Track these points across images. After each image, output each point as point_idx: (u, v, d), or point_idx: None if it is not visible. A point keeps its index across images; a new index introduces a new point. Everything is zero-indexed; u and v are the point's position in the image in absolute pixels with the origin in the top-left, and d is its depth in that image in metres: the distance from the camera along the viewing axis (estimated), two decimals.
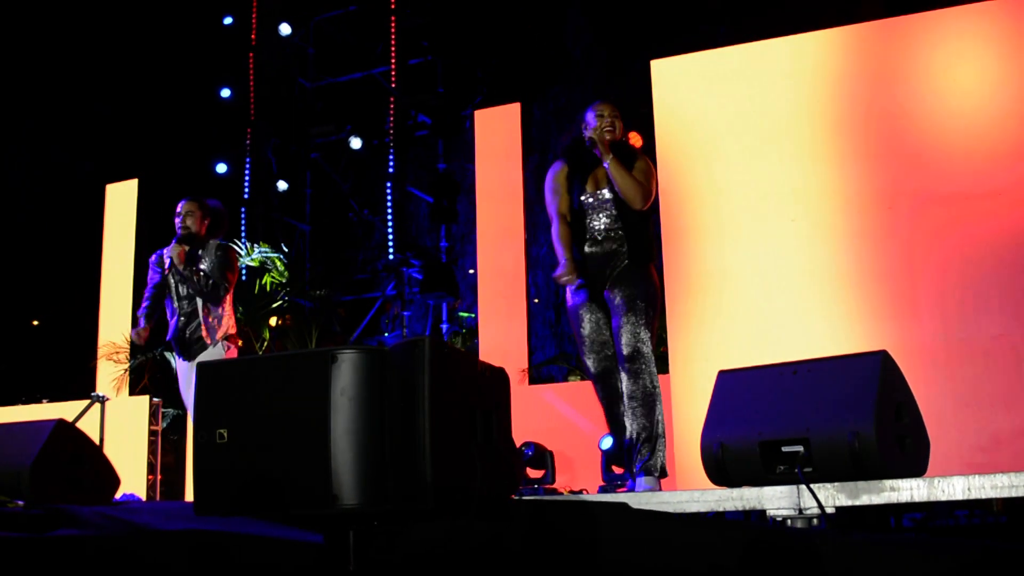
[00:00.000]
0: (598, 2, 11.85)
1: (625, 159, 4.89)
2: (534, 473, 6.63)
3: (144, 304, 6.21)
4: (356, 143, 12.76)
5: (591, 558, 2.98)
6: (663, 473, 4.67)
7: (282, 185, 13.27)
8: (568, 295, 4.95)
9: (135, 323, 6.20)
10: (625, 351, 4.67)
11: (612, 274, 4.81)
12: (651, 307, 4.77)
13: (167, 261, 6.08)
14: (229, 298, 6.20)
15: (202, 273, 6.02)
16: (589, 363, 4.86)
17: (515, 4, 12.38)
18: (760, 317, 6.24)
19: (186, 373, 6.06)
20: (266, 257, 11.17)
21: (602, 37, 11.90)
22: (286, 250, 13.48)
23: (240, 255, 10.76)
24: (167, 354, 6.13)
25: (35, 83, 12.50)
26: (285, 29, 13.30)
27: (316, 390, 2.85)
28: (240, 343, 6.33)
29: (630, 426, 4.67)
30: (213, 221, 6.22)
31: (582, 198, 4.94)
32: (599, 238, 4.87)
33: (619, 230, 4.85)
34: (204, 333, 6.01)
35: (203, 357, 5.98)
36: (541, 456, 6.62)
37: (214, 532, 3.27)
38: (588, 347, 4.85)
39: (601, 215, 4.89)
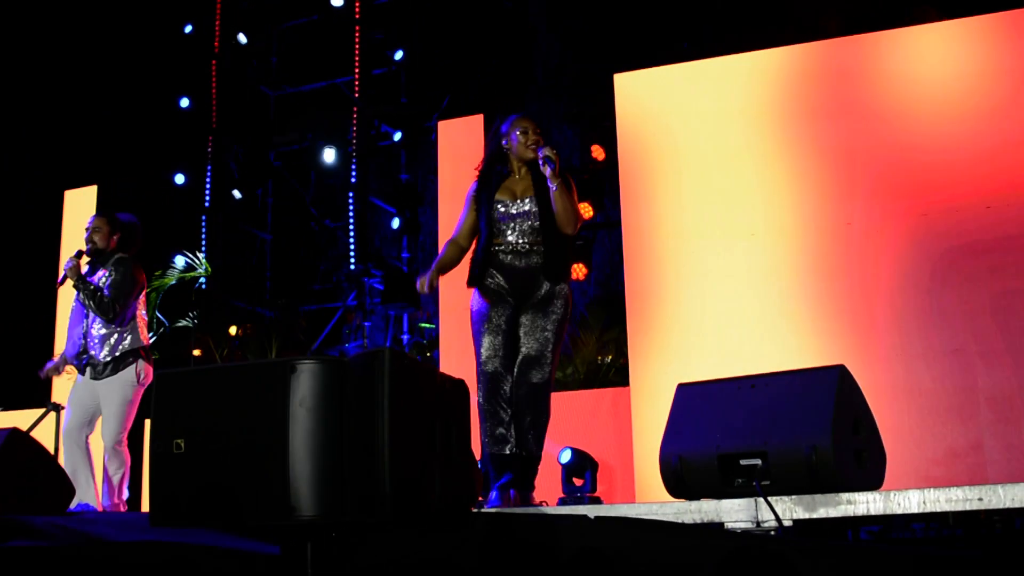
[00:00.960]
0: (565, 15, 11.88)
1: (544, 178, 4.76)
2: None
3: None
4: (330, 155, 12.74)
5: (551, 569, 2.98)
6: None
7: (236, 194, 13.18)
8: (475, 300, 4.87)
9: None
10: (535, 377, 4.64)
11: (531, 295, 4.73)
12: (561, 331, 4.75)
13: (61, 274, 5.99)
14: (139, 312, 6.07)
15: (92, 287, 5.87)
16: (484, 363, 4.72)
17: (481, 16, 12.39)
18: (719, 330, 6.28)
19: (78, 384, 5.96)
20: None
21: (568, 50, 11.94)
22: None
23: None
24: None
25: None
26: (242, 38, 13.25)
27: (275, 401, 2.83)
28: (154, 356, 6.15)
29: (532, 447, 4.65)
30: (124, 236, 6.09)
31: (499, 208, 4.78)
32: (521, 251, 4.75)
33: (541, 245, 4.74)
34: (96, 347, 5.91)
35: (106, 376, 5.88)
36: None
37: (170, 543, 3.24)
38: (487, 346, 4.72)
39: (518, 227, 4.76)
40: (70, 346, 6.05)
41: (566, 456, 6.07)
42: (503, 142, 4.90)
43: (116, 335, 5.90)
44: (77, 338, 5.99)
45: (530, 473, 4.69)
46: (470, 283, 4.84)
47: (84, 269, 6.02)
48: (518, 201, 4.79)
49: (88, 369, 5.91)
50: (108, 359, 5.86)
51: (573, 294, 4.86)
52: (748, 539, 3.09)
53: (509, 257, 4.77)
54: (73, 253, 5.98)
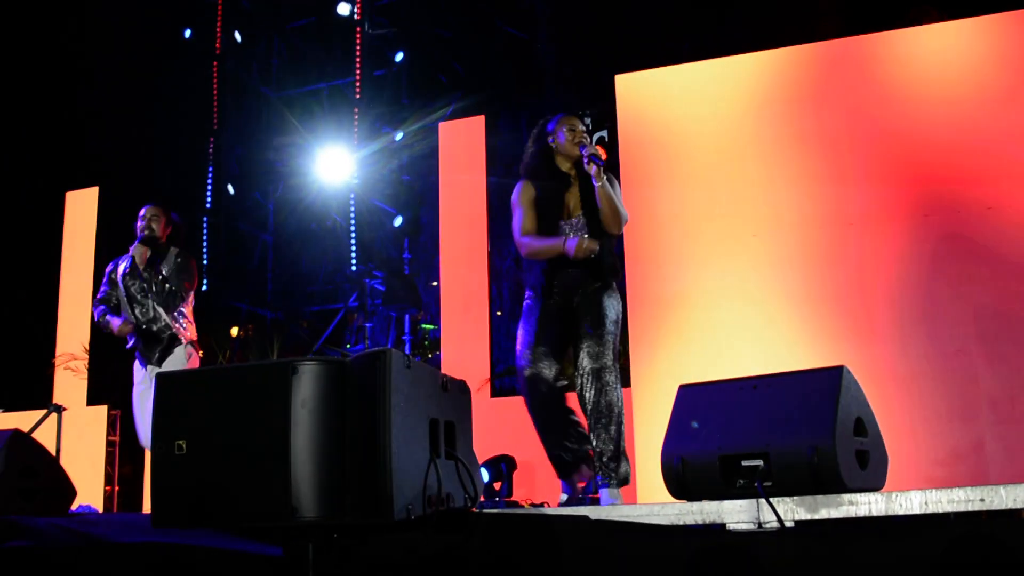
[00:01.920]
0: (566, 16, 11.88)
1: (588, 177, 4.81)
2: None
3: (100, 309, 6.17)
4: (328, 160, 12.79)
5: (550, 570, 2.98)
6: (625, 482, 4.69)
7: (230, 189, 13.18)
8: (528, 301, 4.89)
9: (104, 320, 6.13)
10: (593, 366, 4.65)
11: (582, 294, 4.78)
12: (617, 327, 4.79)
13: (124, 264, 6.05)
14: (190, 307, 6.17)
15: (161, 276, 6.00)
16: (527, 367, 4.75)
17: (481, 17, 12.40)
18: (721, 332, 6.28)
19: (144, 391, 5.99)
20: None
21: (569, 51, 11.94)
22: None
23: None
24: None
25: None
26: (238, 36, 13.27)
27: (276, 402, 2.83)
28: (201, 353, 6.30)
29: (595, 439, 4.67)
30: (174, 230, 6.23)
31: (560, 223, 4.83)
32: (573, 260, 4.74)
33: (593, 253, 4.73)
34: (174, 329, 5.99)
35: (168, 363, 5.96)
36: (498, 468, 6.63)
37: (172, 544, 3.24)
38: (530, 349, 4.76)
39: (576, 236, 4.77)
40: (134, 335, 6.06)
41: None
42: (549, 140, 4.94)
43: (179, 324, 6.00)
44: (140, 329, 6.01)
45: (619, 463, 4.68)
46: (544, 296, 4.83)
47: (126, 265, 6.10)
48: (572, 219, 4.84)
49: (151, 357, 5.97)
50: (174, 347, 5.98)
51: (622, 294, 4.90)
52: (743, 539, 3.09)
53: (563, 267, 4.80)
54: (136, 243, 6.05)
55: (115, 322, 6.07)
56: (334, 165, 12.84)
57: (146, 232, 6.09)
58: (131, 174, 12.44)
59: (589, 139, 4.90)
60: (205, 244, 13.31)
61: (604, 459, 4.65)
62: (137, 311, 6.04)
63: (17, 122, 12.48)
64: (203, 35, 13.60)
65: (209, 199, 13.33)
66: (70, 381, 9.03)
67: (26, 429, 5.18)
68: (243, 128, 13.53)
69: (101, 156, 12.36)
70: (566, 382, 4.85)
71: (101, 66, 12.78)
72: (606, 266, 4.81)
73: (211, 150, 13.35)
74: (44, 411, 7.24)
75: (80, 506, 5.67)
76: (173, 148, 13.40)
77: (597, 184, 4.70)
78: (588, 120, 11.08)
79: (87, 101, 12.72)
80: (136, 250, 6.05)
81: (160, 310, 6.00)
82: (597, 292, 4.79)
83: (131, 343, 6.09)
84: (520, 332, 4.85)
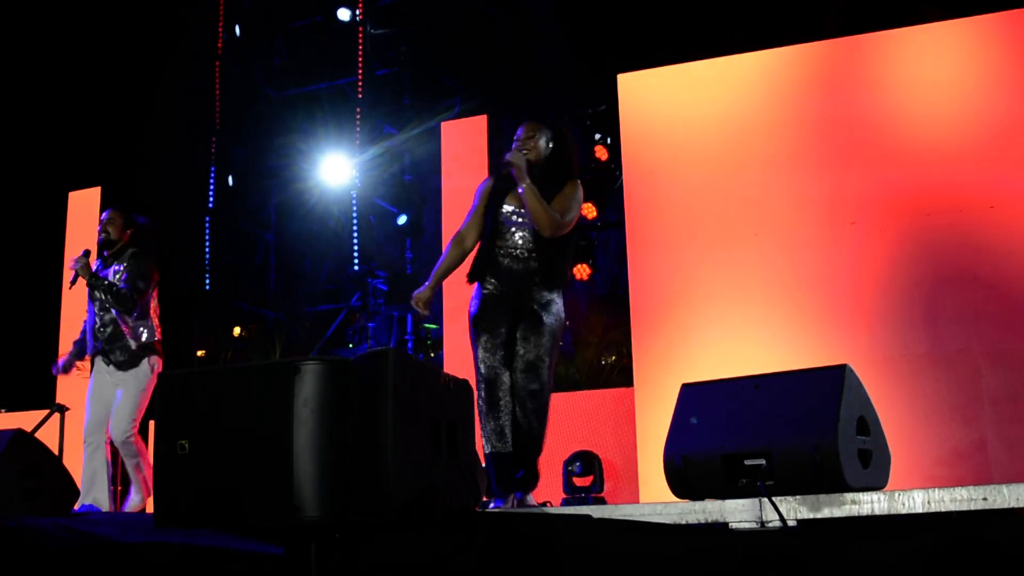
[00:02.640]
0: (569, 15, 11.87)
1: (553, 181, 4.77)
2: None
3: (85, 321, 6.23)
4: (330, 166, 12.83)
5: (553, 570, 2.98)
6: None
7: (230, 180, 13.17)
8: (473, 303, 4.86)
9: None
10: (530, 378, 4.64)
11: (527, 296, 4.72)
12: (555, 336, 4.74)
13: (72, 271, 6.02)
14: (152, 307, 6.10)
15: (106, 282, 5.93)
16: (480, 362, 4.75)
17: (483, 16, 12.39)
18: (723, 330, 6.28)
19: (97, 381, 6.01)
20: None
21: (572, 50, 11.93)
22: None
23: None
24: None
25: None
26: (238, 31, 13.29)
27: (279, 401, 2.83)
28: (162, 355, 6.17)
29: (524, 443, 4.65)
30: (136, 233, 6.15)
31: (504, 209, 4.81)
32: (517, 255, 4.74)
33: (535, 251, 4.73)
34: (126, 333, 5.94)
35: (127, 371, 5.93)
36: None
37: (174, 544, 3.24)
38: (484, 345, 4.74)
39: (522, 232, 4.76)
40: (87, 344, 6.08)
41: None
42: (513, 144, 4.91)
43: (135, 328, 5.93)
44: (90, 334, 6.03)
45: (531, 474, 4.68)
46: (471, 278, 4.85)
47: (94, 267, 6.05)
48: (523, 209, 4.76)
49: (104, 363, 5.94)
50: (125, 355, 5.90)
51: (570, 293, 4.85)
52: (753, 538, 3.09)
53: (507, 260, 4.76)
54: (80, 253, 6.00)
55: (64, 359, 6.23)
56: (336, 165, 12.84)
57: (101, 236, 6.07)
58: (133, 174, 12.45)
59: (533, 141, 4.82)
60: (207, 244, 13.31)
61: (528, 466, 4.66)
62: (95, 319, 6.05)
63: (19, 122, 12.48)
64: (205, 35, 13.60)
65: (211, 199, 13.33)
66: (73, 381, 9.00)
67: (29, 429, 5.18)
68: (245, 128, 13.52)
69: (104, 156, 12.36)
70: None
71: (103, 66, 12.78)
72: (553, 272, 4.74)
73: (213, 150, 13.35)
74: (47, 411, 7.25)
75: (82, 505, 5.67)
76: (175, 148, 13.40)
77: (520, 190, 4.67)
78: (589, 120, 11.09)
79: (89, 101, 12.72)
80: (81, 268, 5.96)
81: (115, 315, 5.95)
82: (544, 303, 4.73)
83: (93, 348, 6.07)
84: (471, 328, 4.84)
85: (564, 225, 4.72)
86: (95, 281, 5.91)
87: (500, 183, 4.92)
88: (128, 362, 5.93)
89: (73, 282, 6.04)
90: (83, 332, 6.20)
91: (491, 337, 4.73)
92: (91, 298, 6.07)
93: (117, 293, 5.88)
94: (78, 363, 6.24)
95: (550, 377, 4.71)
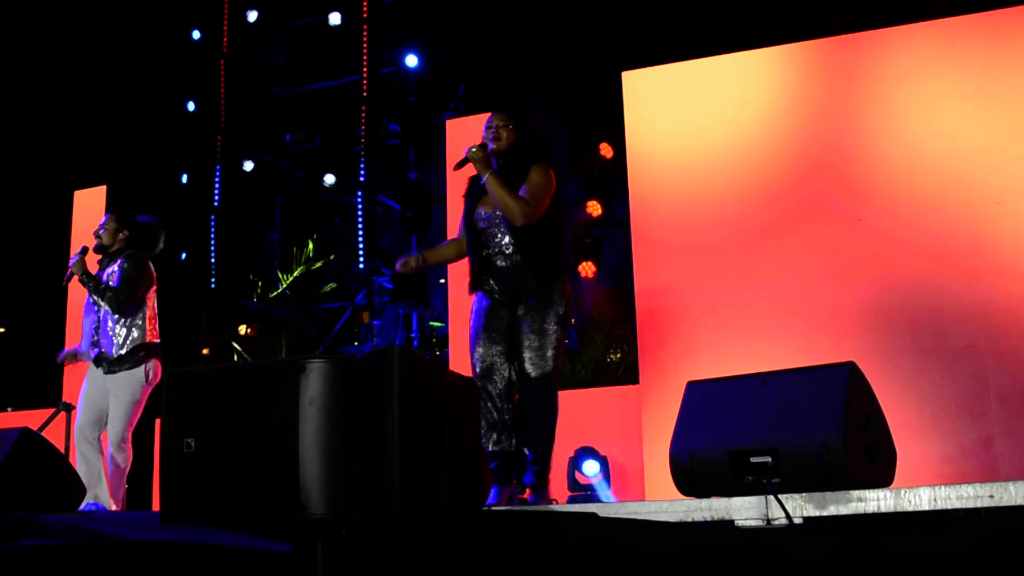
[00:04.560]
0: (572, 12, 11.86)
1: (517, 168, 4.73)
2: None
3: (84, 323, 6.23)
4: (329, 179, 12.83)
5: (559, 568, 2.98)
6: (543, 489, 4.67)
7: (248, 165, 13.12)
8: (476, 301, 4.84)
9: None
10: (533, 372, 4.61)
11: (523, 291, 4.69)
12: (561, 326, 4.69)
13: (68, 271, 6.02)
14: (148, 308, 6.08)
15: (97, 281, 5.93)
16: (476, 356, 4.74)
17: (488, 14, 12.39)
18: (729, 327, 6.27)
19: (90, 380, 6.00)
20: None
21: (576, 48, 11.92)
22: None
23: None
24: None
25: (1, 87, 12.41)
26: (252, 16, 13.29)
27: (285, 400, 2.83)
28: (158, 357, 6.16)
29: (532, 440, 4.64)
30: (134, 235, 6.15)
31: (480, 213, 4.81)
32: (507, 252, 4.71)
33: (520, 245, 4.69)
34: (107, 341, 5.93)
35: (117, 373, 5.92)
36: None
37: (181, 542, 3.24)
38: (481, 339, 4.73)
39: (503, 230, 4.73)
40: (83, 341, 6.10)
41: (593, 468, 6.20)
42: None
43: (126, 330, 5.92)
44: (89, 333, 6.03)
45: (542, 473, 4.65)
46: (471, 289, 4.86)
47: (95, 267, 6.06)
48: (495, 208, 4.74)
49: (100, 364, 5.94)
50: (119, 354, 5.89)
51: (576, 290, 4.82)
52: (759, 536, 3.09)
53: (499, 260, 4.75)
54: (78, 250, 6.02)
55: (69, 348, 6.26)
56: (341, 163, 12.85)
57: (96, 241, 6.08)
58: (139, 173, 12.47)
59: (504, 132, 4.79)
60: (213, 242, 13.32)
61: (540, 464, 4.64)
62: (88, 320, 6.05)
63: (25, 121, 12.51)
64: (210, 33, 13.61)
65: (217, 197, 13.35)
66: (79, 379, 9.04)
67: (35, 427, 5.19)
68: (250, 126, 13.53)
69: (109, 155, 12.39)
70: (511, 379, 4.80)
71: (109, 65, 12.80)
72: (536, 256, 4.69)
73: (218, 148, 13.37)
74: (53, 410, 7.27)
75: (88, 503, 5.68)
76: (180, 146, 13.42)
77: (483, 181, 4.68)
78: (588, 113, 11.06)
79: (95, 100, 12.74)
80: (75, 265, 5.95)
81: (111, 318, 5.95)
82: (540, 291, 4.68)
83: (93, 355, 6.07)
84: (470, 330, 4.82)
85: (535, 210, 4.64)
86: (87, 280, 5.92)
87: (472, 185, 4.94)
88: (118, 363, 5.90)
89: (67, 279, 6.05)
90: (83, 330, 6.21)
91: (489, 332, 4.72)
92: (90, 297, 6.09)
93: (106, 293, 5.88)
94: (79, 357, 6.24)
95: (556, 367, 4.66)
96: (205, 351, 12.22)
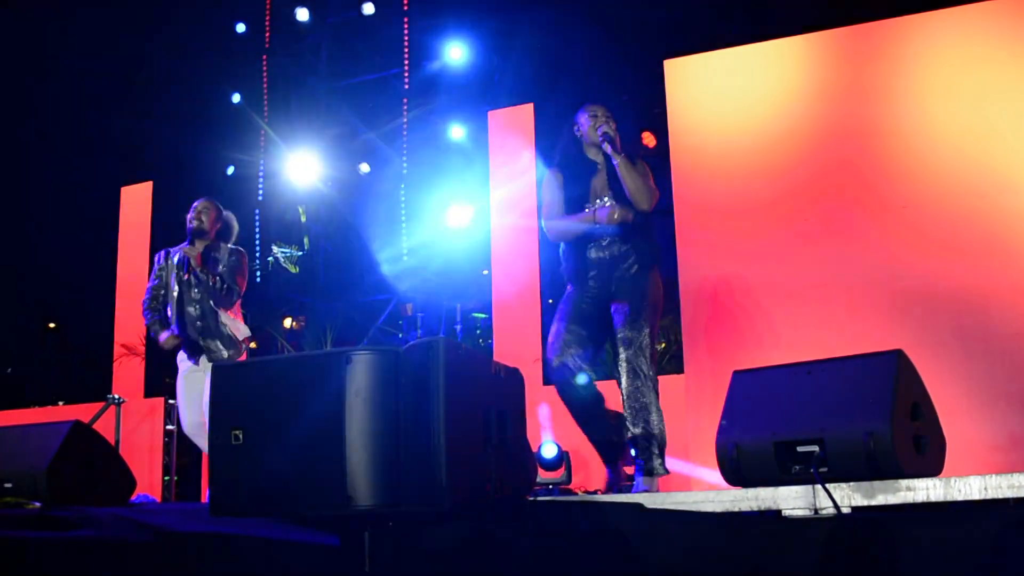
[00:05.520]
0: (608, 2, 11.81)
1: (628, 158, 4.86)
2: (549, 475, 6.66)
3: (148, 309, 6.22)
4: (364, 168, 12.92)
5: (605, 557, 2.98)
6: (661, 471, 4.68)
7: (296, 171, 13.20)
8: (570, 288, 4.92)
9: (155, 327, 6.18)
10: (626, 353, 4.66)
11: (618, 279, 4.78)
12: (655, 312, 4.77)
13: (177, 260, 6.07)
14: (238, 303, 6.22)
15: (216, 275, 6.03)
16: (554, 358, 4.81)
17: (527, 5, 12.36)
18: (775, 316, 6.22)
19: (189, 376, 6.04)
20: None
21: (617, 37, 11.87)
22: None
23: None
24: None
25: (49, 85, 12.56)
26: (302, 15, 13.38)
27: (331, 391, 2.85)
28: (255, 345, 6.33)
29: (631, 427, 4.67)
30: (224, 226, 6.26)
31: (586, 207, 4.89)
32: (603, 243, 4.84)
33: (623, 235, 4.81)
34: (221, 334, 6.01)
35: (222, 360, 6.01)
36: (559, 457, 6.65)
37: (230, 534, 3.28)
38: (558, 339, 4.80)
39: (603, 223, 4.83)
40: (184, 332, 6.07)
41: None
42: (575, 130, 5.02)
43: (231, 323, 6.04)
44: (192, 326, 6.03)
45: (647, 455, 4.68)
46: (567, 279, 4.92)
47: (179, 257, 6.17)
48: (599, 200, 4.87)
49: (203, 356, 6.00)
50: (228, 347, 6.00)
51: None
52: (807, 526, 3.07)
53: (593, 251, 4.86)
54: (186, 242, 6.11)
55: (163, 335, 6.13)
56: (383, 155, 12.90)
57: (194, 224, 6.11)
58: (184, 169, 12.58)
59: (611, 122, 4.92)
60: (258, 236, 13.42)
61: (640, 447, 4.66)
62: (190, 309, 6.06)
63: (72, 119, 12.66)
64: (254, 29, 13.70)
65: (261, 191, 13.45)
66: (128, 373, 9.15)
67: (86, 421, 5.26)
68: (293, 120, 13.61)
69: (155, 151, 12.51)
70: (592, 374, 4.84)
71: (154, 60, 12.91)
72: (642, 246, 4.82)
73: (262, 143, 13.46)
74: (103, 403, 7.36)
75: (139, 496, 5.75)
76: (225, 142, 13.53)
77: (615, 162, 4.76)
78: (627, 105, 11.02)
79: (141, 97, 12.87)
80: (189, 249, 6.08)
81: (216, 309, 6.03)
82: (634, 276, 4.78)
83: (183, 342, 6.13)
84: (553, 324, 4.88)
85: (656, 195, 4.86)
86: (206, 275, 6.00)
87: (572, 173, 4.98)
88: (228, 355, 6.03)
89: (188, 270, 6.07)
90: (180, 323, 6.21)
91: (579, 336, 4.80)
92: (180, 294, 6.08)
93: (222, 286, 6.01)
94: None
95: (654, 352, 4.74)
96: (252, 344, 12.33)
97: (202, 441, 5.92)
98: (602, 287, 4.83)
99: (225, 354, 6.00)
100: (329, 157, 13.40)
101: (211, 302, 6.02)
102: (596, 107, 4.96)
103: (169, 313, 6.11)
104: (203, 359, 6.01)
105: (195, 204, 6.20)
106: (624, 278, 4.79)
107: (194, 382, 5.97)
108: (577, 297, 4.86)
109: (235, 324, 6.10)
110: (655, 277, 4.85)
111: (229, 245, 6.22)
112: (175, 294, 6.08)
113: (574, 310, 4.84)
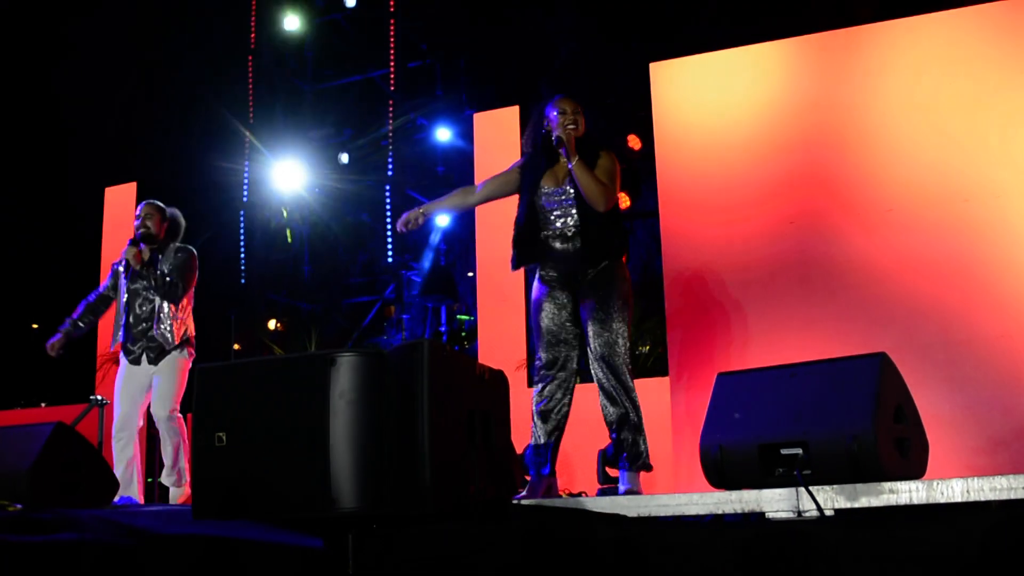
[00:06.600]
0: (599, 4, 11.84)
1: (589, 155, 4.80)
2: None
3: (84, 303, 6.37)
4: (344, 159, 12.88)
5: (588, 561, 2.98)
6: (645, 466, 4.68)
7: (281, 174, 13.17)
8: (535, 287, 4.91)
9: (69, 326, 6.36)
10: (603, 350, 4.64)
11: (588, 272, 4.74)
12: (626, 306, 4.74)
13: (123, 262, 6.09)
14: (189, 301, 6.21)
15: (159, 272, 6.04)
16: (542, 354, 4.81)
17: (513, 7, 12.37)
18: (759, 319, 6.24)
19: (127, 375, 6.07)
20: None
21: (603, 40, 11.89)
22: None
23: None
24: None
25: (33, 84, 12.52)
26: (292, 23, 13.37)
27: (315, 393, 2.84)
28: (194, 347, 6.27)
29: (610, 419, 4.68)
30: (171, 226, 6.28)
31: (544, 190, 4.85)
32: (569, 235, 4.78)
33: (587, 229, 4.75)
34: (162, 333, 6.00)
35: (162, 362, 6.02)
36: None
37: (213, 536, 3.26)
38: (546, 340, 4.79)
39: (567, 212, 4.80)
40: (123, 333, 6.12)
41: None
42: (545, 122, 4.95)
43: (177, 321, 6.03)
44: (124, 329, 6.08)
45: (633, 453, 4.68)
46: (516, 264, 4.90)
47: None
48: (560, 187, 4.83)
49: (144, 355, 6.01)
50: (171, 347, 5.98)
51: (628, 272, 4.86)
52: (790, 528, 3.08)
53: (557, 243, 4.82)
54: (127, 243, 6.10)
55: (55, 337, 6.41)
56: (368, 157, 12.89)
57: (141, 231, 6.15)
58: (169, 169, 12.54)
59: (580, 117, 4.86)
60: (243, 238, 13.39)
61: (624, 445, 4.66)
62: (137, 306, 6.08)
63: (56, 118, 12.61)
64: (238, 30, 13.68)
65: (246, 192, 13.42)
66: (112, 375, 9.10)
67: (68, 423, 5.23)
68: (278, 121, 13.59)
69: (139, 152, 12.47)
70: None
71: (138, 61, 12.87)
72: (605, 244, 4.76)
73: (247, 144, 13.43)
74: (85, 405, 7.33)
75: (121, 498, 5.73)
76: (210, 143, 13.49)
77: (569, 164, 4.71)
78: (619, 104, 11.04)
79: (124, 96, 12.82)
80: (128, 251, 6.06)
81: (164, 305, 6.03)
82: (601, 273, 4.74)
83: (121, 338, 6.13)
84: (533, 326, 4.88)
85: (614, 195, 4.78)
86: (149, 271, 6.01)
87: (532, 161, 4.94)
88: (165, 354, 6.02)
89: (127, 271, 6.10)
90: (82, 315, 6.37)
91: (554, 323, 4.77)
92: (127, 290, 6.13)
93: (167, 283, 6.00)
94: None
95: (627, 344, 4.71)
96: (236, 347, 12.28)
97: (125, 435, 5.99)
98: (568, 281, 4.79)
99: (171, 355, 6.01)
100: (314, 160, 13.39)
101: (161, 300, 6.03)
102: (565, 102, 4.90)
103: (121, 311, 6.17)
104: (144, 356, 6.05)
105: (138, 210, 6.25)
106: (591, 275, 4.75)
107: (133, 376, 6.05)
108: (546, 298, 4.81)
109: (183, 323, 6.10)
110: (623, 271, 4.81)
111: (176, 243, 6.24)
112: (124, 298, 6.14)
113: (548, 302, 4.81)
